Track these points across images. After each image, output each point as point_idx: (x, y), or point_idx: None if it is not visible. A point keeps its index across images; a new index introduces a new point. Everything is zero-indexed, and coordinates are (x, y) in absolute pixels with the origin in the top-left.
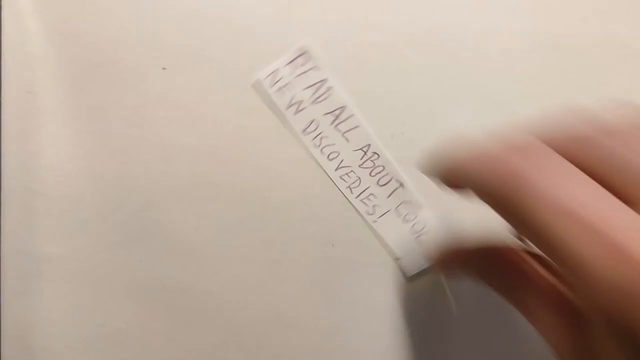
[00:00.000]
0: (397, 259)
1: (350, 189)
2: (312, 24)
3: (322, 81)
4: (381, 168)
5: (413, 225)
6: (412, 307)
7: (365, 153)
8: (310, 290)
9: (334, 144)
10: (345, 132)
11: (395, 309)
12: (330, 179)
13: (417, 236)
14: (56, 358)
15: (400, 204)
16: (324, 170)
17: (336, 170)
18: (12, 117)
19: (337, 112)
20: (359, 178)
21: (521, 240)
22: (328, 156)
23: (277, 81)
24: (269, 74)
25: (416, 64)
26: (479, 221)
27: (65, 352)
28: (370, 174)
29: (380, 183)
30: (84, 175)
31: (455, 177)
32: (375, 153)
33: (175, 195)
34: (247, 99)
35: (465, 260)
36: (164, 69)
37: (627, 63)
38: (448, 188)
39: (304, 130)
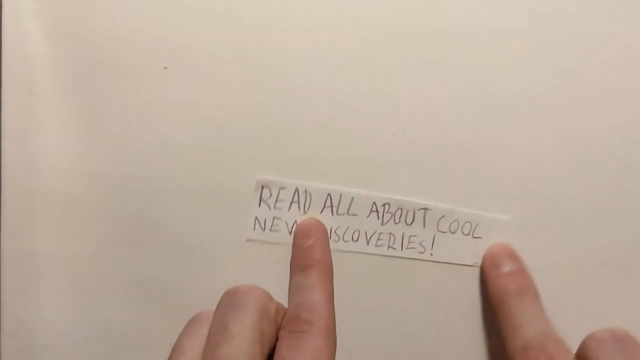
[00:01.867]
0: (474, 264)
1: (391, 247)
2: (313, 24)
3: (296, 191)
4: (399, 210)
5: (461, 229)
6: None
7: (377, 211)
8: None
9: (347, 227)
10: (348, 210)
11: None
12: (371, 254)
13: (476, 237)
14: (56, 358)
15: (439, 222)
16: (362, 253)
17: (368, 245)
18: (12, 117)
19: (328, 202)
20: (390, 233)
21: None
22: (353, 240)
23: (264, 224)
24: (254, 225)
25: (416, 63)
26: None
27: (65, 352)
28: (395, 222)
29: (408, 222)
30: (84, 175)
31: None
32: (384, 204)
33: (175, 195)
34: (247, 99)
35: None
36: (164, 68)
37: (627, 63)
38: None
39: None
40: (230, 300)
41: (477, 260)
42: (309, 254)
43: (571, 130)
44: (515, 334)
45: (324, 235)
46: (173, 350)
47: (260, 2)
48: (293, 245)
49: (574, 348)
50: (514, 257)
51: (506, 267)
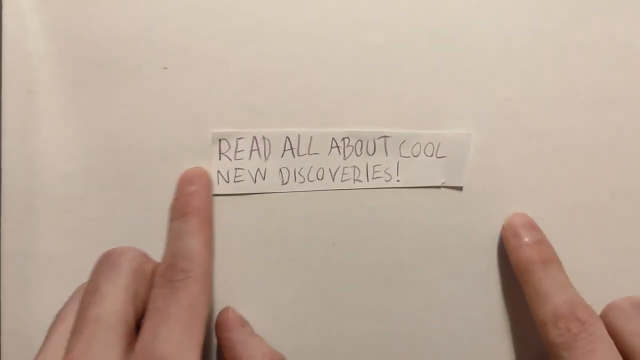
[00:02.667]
0: (443, 184)
1: (357, 180)
2: (313, 25)
3: (253, 139)
4: (359, 142)
5: (424, 151)
6: None
7: (338, 147)
8: (312, 291)
9: (311, 167)
10: (309, 150)
11: None
12: (338, 190)
13: (440, 156)
14: None
15: (400, 147)
16: (329, 191)
17: (334, 181)
18: (12, 117)
19: (287, 145)
20: (354, 167)
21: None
22: (318, 178)
23: (228, 176)
24: (217, 179)
25: (417, 63)
26: None
27: None
28: (357, 154)
29: (369, 152)
30: (84, 175)
31: None
32: (344, 138)
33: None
34: (247, 100)
35: None
36: (165, 68)
37: (627, 63)
38: None
39: (283, 183)
40: (104, 262)
41: (445, 179)
42: (189, 200)
43: (571, 130)
44: (545, 303)
45: (208, 184)
46: (55, 317)
47: (260, 2)
48: (176, 191)
49: None
50: (534, 227)
51: (527, 237)
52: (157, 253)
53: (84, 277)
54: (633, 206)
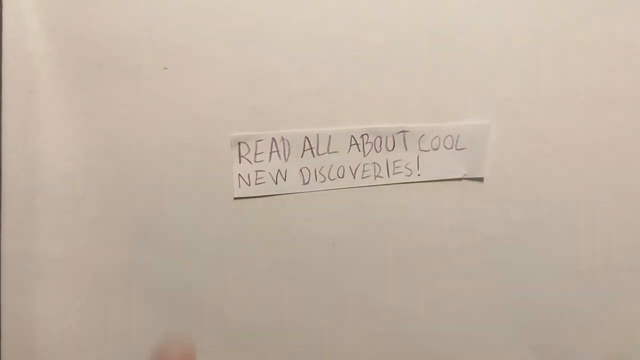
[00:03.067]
0: (464, 176)
1: (378, 176)
2: (313, 25)
3: (273, 140)
4: (378, 138)
5: (444, 144)
6: None
7: (357, 144)
8: (313, 290)
9: (331, 165)
10: (328, 149)
11: None
12: (360, 187)
13: (460, 148)
14: (56, 358)
15: (420, 142)
16: (351, 188)
17: (355, 178)
18: (12, 117)
19: (307, 145)
20: (374, 163)
21: None
22: (339, 176)
23: (248, 179)
24: (239, 182)
25: (417, 63)
26: None
27: (65, 352)
28: (377, 150)
29: (389, 148)
30: (84, 175)
31: None
32: (363, 135)
33: (175, 195)
34: (247, 100)
35: None
36: (165, 68)
37: (627, 63)
38: None
39: (305, 183)
40: None
41: (467, 171)
42: None
43: (571, 130)
44: None
45: None
46: None
47: (260, 2)
48: None
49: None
50: None
51: None
52: (157, 253)
53: (84, 278)
54: (633, 206)
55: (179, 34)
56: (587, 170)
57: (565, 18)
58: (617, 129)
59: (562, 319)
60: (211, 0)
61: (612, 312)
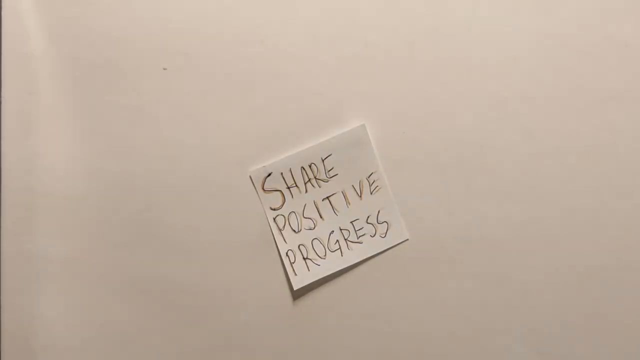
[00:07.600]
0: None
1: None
2: (313, 25)
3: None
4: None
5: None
6: None
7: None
8: (312, 289)
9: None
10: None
11: None
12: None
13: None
14: (56, 358)
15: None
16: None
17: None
18: (12, 117)
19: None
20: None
21: None
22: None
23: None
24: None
25: (417, 63)
26: None
27: (65, 352)
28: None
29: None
30: (84, 175)
31: None
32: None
33: (175, 195)
34: (246, 100)
35: None
36: (164, 69)
37: (627, 63)
38: None
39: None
40: None
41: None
42: None
43: (571, 130)
44: None
45: None
46: None
47: (260, 2)
48: None
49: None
50: None
51: None
52: (157, 253)
53: (84, 278)
54: (633, 206)
55: (179, 34)
56: (587, 170)
57: (565, 18)
58: (617, 129)
59: (562, 319)
60: (211, 1)
61: (612, 312)
